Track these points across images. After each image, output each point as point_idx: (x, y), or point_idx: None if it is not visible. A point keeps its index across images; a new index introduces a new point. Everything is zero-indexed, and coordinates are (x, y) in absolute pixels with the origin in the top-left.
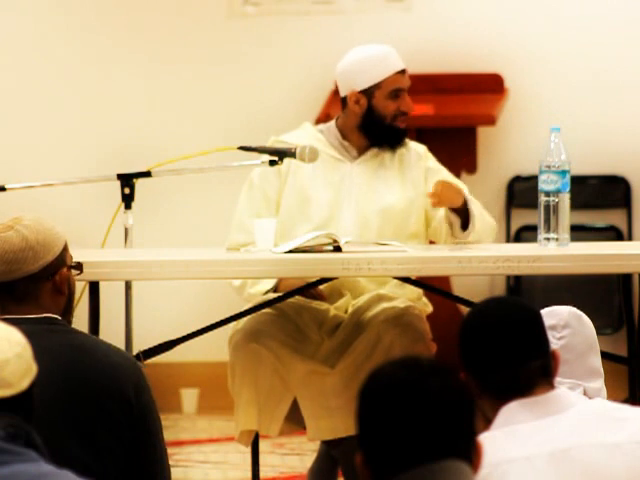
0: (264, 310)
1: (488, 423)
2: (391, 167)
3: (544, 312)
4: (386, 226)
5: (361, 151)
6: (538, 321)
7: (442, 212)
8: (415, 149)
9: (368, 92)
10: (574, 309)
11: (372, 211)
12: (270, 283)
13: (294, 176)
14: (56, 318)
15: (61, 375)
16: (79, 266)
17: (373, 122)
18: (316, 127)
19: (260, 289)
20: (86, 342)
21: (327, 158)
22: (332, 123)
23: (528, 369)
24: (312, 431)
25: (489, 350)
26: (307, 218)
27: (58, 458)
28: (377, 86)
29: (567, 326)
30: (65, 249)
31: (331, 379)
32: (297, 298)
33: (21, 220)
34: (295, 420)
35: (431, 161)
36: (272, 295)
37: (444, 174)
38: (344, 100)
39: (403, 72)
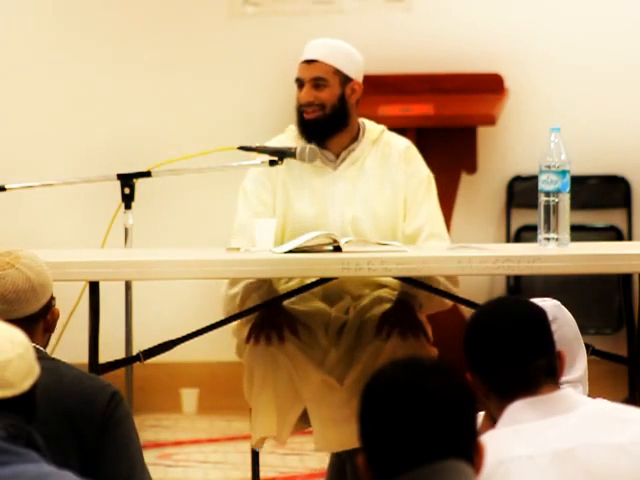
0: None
1: (494, 423)
2: (372, 170)
3: None
4: (373, 232)
5: (335, 152)
6: (544, 320)
7: (415, 224)
8: (396, 146)
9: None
10: (553, 300)
11: (358, 219)
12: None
13: (282, 187)
14: (41, 349)
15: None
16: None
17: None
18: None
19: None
20: (63, 369)
21: (309, 166)
22: None
23: (534, 368)
24: (320, 442)
25: (495, 349)
26: (292, 229)
27: None
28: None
29: (555, 320)
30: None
31: (339, 394)
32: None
33: (18, 258)
34: (300, 419)
35: (413, 164)
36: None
37: (425, 207)
38: None
39: (308, 62)
